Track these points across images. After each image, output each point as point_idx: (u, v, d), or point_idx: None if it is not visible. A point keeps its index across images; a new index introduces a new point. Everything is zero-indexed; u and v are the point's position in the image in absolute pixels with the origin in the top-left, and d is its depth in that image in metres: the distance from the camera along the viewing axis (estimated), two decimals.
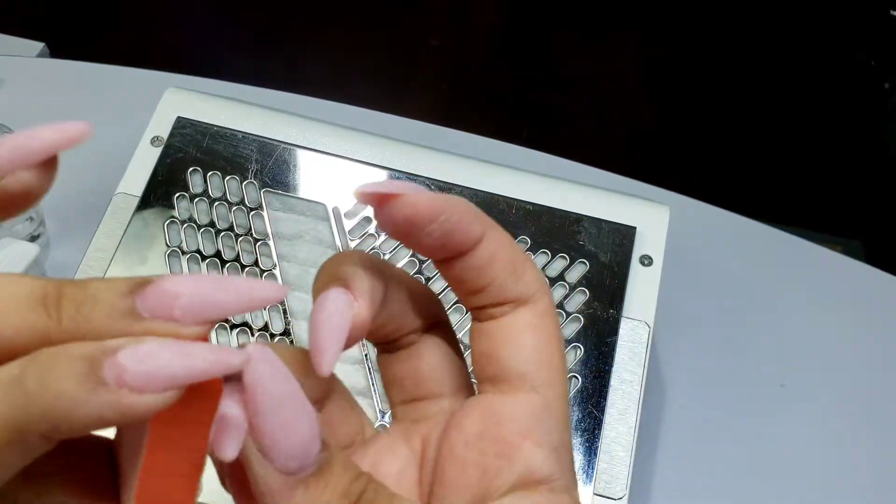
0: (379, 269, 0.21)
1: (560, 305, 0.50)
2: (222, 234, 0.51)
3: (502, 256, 0.21)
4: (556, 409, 0.21)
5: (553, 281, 0.51)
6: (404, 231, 0.20)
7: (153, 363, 0.15)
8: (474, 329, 0.22)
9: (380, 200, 0.20)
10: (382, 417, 0.47)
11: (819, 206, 1.51)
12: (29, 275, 0.17)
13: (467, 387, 0.24)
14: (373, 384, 0.48)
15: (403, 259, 0.51)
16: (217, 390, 0.17)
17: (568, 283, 0.51)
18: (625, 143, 1.58)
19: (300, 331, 0.49)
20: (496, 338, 0.21)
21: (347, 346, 0.20)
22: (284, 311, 0.49)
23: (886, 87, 1.65)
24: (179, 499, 0.17)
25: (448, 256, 0.21)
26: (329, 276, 0.21)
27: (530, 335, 0.21)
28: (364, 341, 0.49)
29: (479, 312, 0.22)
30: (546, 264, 0.51)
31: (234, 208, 0.52)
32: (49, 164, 0.18)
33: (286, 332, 0.49)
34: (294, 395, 0.18)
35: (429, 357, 0.23)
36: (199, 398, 0.17)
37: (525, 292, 0.21)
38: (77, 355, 0.15)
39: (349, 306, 0.20)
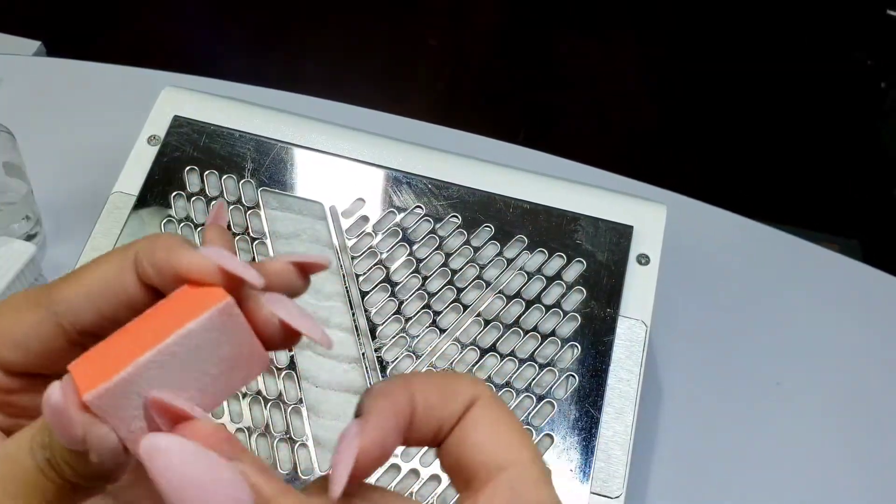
0: (403, 395, 0.21)
1: (557, 304, 0.50)
2: None
3: (433, 394, 0.21)
4: (535, 482, 0.21)
5: (550, 280, 0.51)
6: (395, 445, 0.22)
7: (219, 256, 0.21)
8: (439, 452, 0.22)
9: None
10: None
11: (816, 205, 1.51)
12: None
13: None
14: (370, 383, 0.48)
15: (401, 258, 0.51)
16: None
17: (565, 282, 0.51)
18: (622, 143, 1.58)
19: None
20: (455, 445, 0.21)
21: (361, 474, 0.20)
22: None
23: (883, 86, 1.65)
24: (109, 369, 0.19)
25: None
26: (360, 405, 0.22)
27: (481, 426, 0.21)
28: (359, 340, 0.49)
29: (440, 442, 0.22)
30: (543, 263, 0.51)
31: (232, 207, 0.52)
32: (304, 276, 0.24)
33: None
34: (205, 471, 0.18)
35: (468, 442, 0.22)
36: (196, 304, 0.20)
37: (466, 401, 0.21)
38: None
39: (356, 437, 0.20)
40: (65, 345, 0.23)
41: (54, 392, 0.19)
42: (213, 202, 0.28)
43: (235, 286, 0.21)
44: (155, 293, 0.22)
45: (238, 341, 0.21)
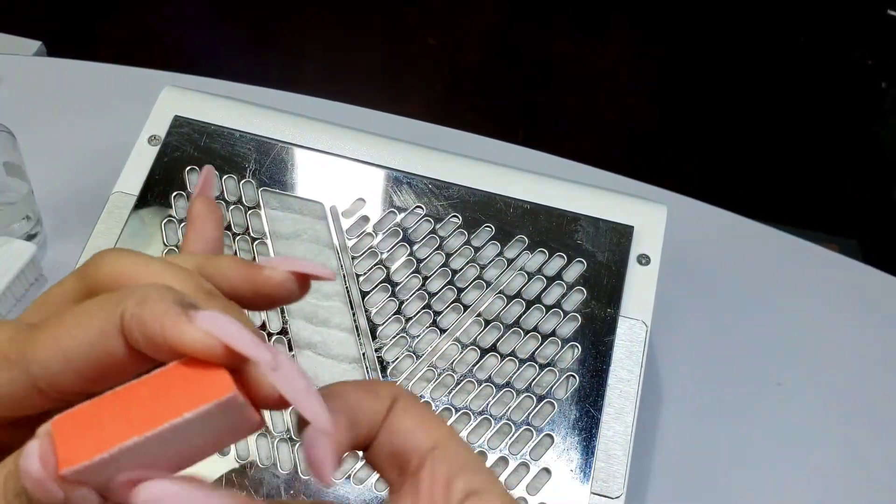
0: (342, 399, 0.22)
1: (558, 304, 0.50)
2: None
3: (361, 411, 0.22)
4: (454, 448, 0.22)
5: (550, 280, 0.51)
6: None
7: (221, 326, 0.19)
8: (368, 455, 0.24)
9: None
10: None
11: (816, 205, 1.51)
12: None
13: None
14: None
15: (401, 258, 0.51)
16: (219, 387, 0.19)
17: (565, 282, 0.51)
18: (622, 143, 1.58)
19: (297, 329, 0.49)
20: (385, 443, 0.23)
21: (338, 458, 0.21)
22: (282, 311, 0.49)
23: (883, 86, 1.65)
24: (96, 443, 0.18)
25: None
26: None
27: (406, 418, 0.23)
28: (360, 340, 0.49)
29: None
30: (544, 263, 0.51)
31: (232, 207, 0.52)
32: (306, 284, 0.23)
33: (283, 332, 0.49)
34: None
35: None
36: (200, 384, 0.19)
37: (388, 404, 0.23)
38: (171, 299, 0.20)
39: (324, 435, 0.21)
40: (41, 401, 0.21)
41: (32, 460, 0.18)
42: (203, 168, 0.27)
43: (237, 359, 0.20)
44: (147, 357, 0.20)
45: (235, 422, 0.20)
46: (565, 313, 0.50)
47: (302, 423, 0.21)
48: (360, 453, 0.43)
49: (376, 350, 0.49)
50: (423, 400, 0.48)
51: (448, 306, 0.50)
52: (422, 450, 0.22)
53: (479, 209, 0.53)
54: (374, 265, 0.51)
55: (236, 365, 0.20)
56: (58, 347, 0.20)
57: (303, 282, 0.23)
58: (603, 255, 0.52)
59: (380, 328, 0.49)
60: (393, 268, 0.51)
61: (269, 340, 0.48)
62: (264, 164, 0.53)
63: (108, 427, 0.18)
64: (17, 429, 0.21)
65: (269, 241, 0.51)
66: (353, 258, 0.51)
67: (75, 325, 0.20)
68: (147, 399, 0.19)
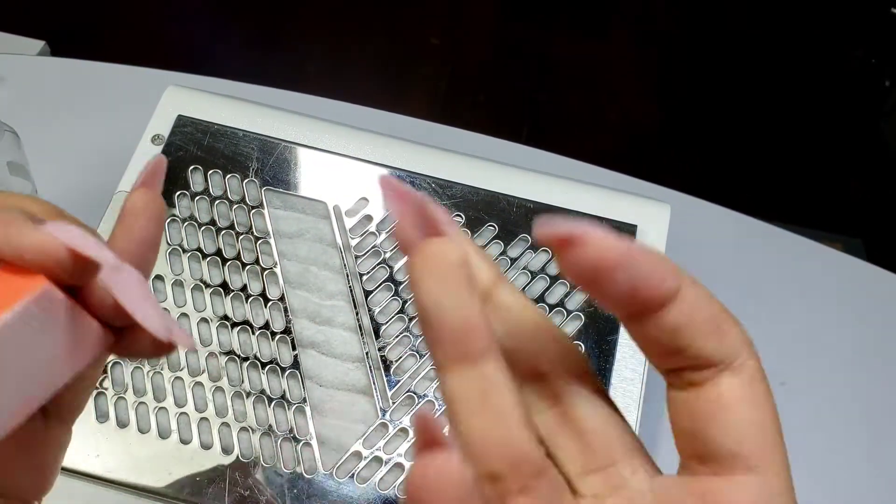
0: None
1: (561, 303, 0.50)
2: (223, 232, 0.51)
3: (701, 314, 0.19)
4: (781, 495, 0.18)
5: (554, 279, 0.51)
6: (588, 278, 0.18)
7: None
8: (671, 398, 0.20)
9: (561, 244, 0.18)
10: (383, 415, 0.47)
11: (820, 203, 1.51)
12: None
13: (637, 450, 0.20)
14: (373, 382, 0.48)
15: (403, 258, 0.51)
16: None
17: (568, 282, 0.51)
18: (625, 141, 1.58)
19: (301, 328, 0.49)
20: (701, 411, 0.19)
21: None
22: (285, 310, 0.49)
23: (887, 84, 1.65)
24: None
25: (638, 311, 0.19)
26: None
27: (741, 408, 0.19)
28: (363, 339, 0.49)
29: (673, 377, 0.19)
30: (547, 262, 0.51)
31: (235, 206, 0.52)
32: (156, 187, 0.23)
33: (287, 331, 0.49)
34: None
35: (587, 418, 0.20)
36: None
37: (729, 355, 0.19)
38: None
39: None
40: None
41: None
42: (155, 157, 0.24)
43: (87, 268, 0.19)
44: None
45: (70, 327, 0.19)
46: (569, 312, 0.50)
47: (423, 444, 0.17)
48: (366, 453, 0.43)
49: (379, 349, 0.49)
50: (426, 400, 0.48)
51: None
52: (736, 457, 0.18)
53: (482, 208, 0.53)
54: (378, 264, 0.51)
55: (79, 274, 0.19)
56: None
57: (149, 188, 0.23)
58: None
59: (383, 327, 0.49)
60: (396, 267, 0.51)
61: (273, 340, 0.48)
62: (267, 164, 0.53)
63: None
64: None
65: (272, 241, 0.51)
66: (357, 257, 0.51)
67: None
68: None
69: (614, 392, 0.48)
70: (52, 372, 0.19)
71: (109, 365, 0.47)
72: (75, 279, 0.19)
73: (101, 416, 0.46)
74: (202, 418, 0.47)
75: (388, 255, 0.51)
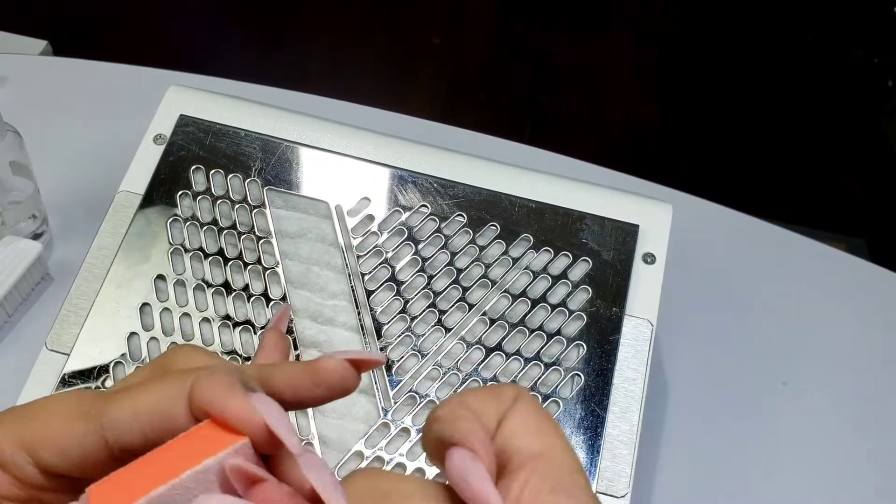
0: (469, 412, 0.23)
1: (563, 303, 0.50)
2: (225, 232, 0.51)
3: (486, 407, 0.23)
4: (560, 462, 0.22)
5: (556, 278, 0.51)
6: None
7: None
8: None
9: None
10: (385, 415, 0.47)
11: (823, 203, 1.51)
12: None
13: None
14: (375, 382, 0.48)
15: (406, 257, 0.51)
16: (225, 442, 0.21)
17: (571, 281, 0.51)
18: (627, 141, 1.58)
19: (302, 328, 0.49)
20: (495, 440, 0.23)
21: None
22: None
23: (889, 84, 1.65)
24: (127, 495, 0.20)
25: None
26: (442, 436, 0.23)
27: (518, 417, 0.22)
28: (365, 339, 0.49)
29: None
30: (549, 262, 0.51)
31: (237, 206, 0.52)
32: (359, 370, 0.25)
33: (289, 331, 0.49)
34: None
35: None
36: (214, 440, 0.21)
37: (508, 404, 0.23)
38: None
39: (477, 461, 0.21)
40: (104, 457, 0.23)
41: None
42: (281, 306, 0.31)
43: (274, 444, 0.21)
44: None
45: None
46: (570, 312, 0.50)
47: (443, 451, 0.22)
48: (367, 453, 0.43)
49: (381, 349, 0.49)
50: (427, 399, 0.48)
51: (453, 305, 0.50)
52: (525, 454, 0.22)
53: (484, 208, 0.53)
54: (379, 264, 0.51)
55: (270, 448, 0.21)
56: (132, 405, 0.23)
57: (358, 367, 0.25)
58: (608, 253, 0.52)
59: (385, 327, 0.49)
60: (398, 266, 0.51)
61: None
62: (269, 163, 0.53)
63: (137, 483, 0.20)
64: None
65: (274, 241, 0.51)
66: (359, 257, 0.51)
67: (150, 388, 0.23)
68: (173, 455, 0.21)
69: (616, 392, 0.48)
70: None
71: (111, 364, 0.47)
72: (262, 449, 0.22)
73: None
74: None
75: (389, 255, 0.51)
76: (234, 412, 0.21)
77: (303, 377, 0.25)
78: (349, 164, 0.54)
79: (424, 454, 0.46)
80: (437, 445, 0.22)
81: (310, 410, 0.47)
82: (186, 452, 0.21)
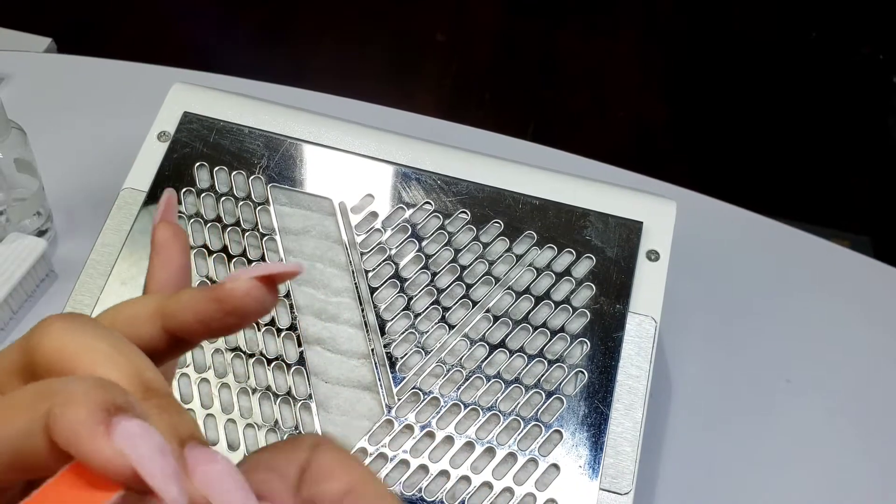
0: (266, 470, 0.22)
1: (566, 300, 0.50)
2: (229, 229, 0.51)
3: (278, 460, 0.22)
4: (370, 491, 0.22)
5: (559, 276, 0.51)
6: None
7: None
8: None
9: None
10: (389, 412, 0.47)
11: (827, 201, 1.50)
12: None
13: None
14: (379, 379, 0.48)
15: (410, 254, 0.51)
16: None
17: (574, 278, 0.51)
18: (631, 139, 1.58)
19: (306, 325, 0.49)
20: (304, 490, 0.22)
21: None
22: (291, 306, 0.49)
23: (894, 80, 1.64)
24: None
25: None
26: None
27: (323, 461, 0.22)
28: (369, 336, 0.49)
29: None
30: (553, 259, 0.51)
31: (241, 203, 0.52)
32: (273, 288, 0.22)
33: (292, 327, 0.49)
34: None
35: None
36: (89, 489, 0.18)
37: (308, 451, 0.22)
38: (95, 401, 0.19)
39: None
40: None
41: None
42: (163, 192, 0.26)
43: (146, 491, 0.18)
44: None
45: None
46: (574, 309, 0.50)
47: None
48: (371, 450, 0.43)
49: (385, 346, 0.49)
50: (431, 396, 0.48)
51: (457, 302, 0.50)
52: (335, 493, 0.22)
53: (487, 205, 0.53)
54: (383, 261, 0.51)
55: (144, 491, 0.18)
56: None
57: (270, 285, 0.22)
58: (612, 250, 0.52)
59: (388, 324, 0.49)
60: (402, 264, 0.51)
61: (279, 336, 0.48)
62: (273, 161, 0.53)
63: None
64: None
65: (278, 237, 0.51)
66: (362, 254, 0.51)
67: (2, 419, 0.19)
68: None
69: (620, 389, 0.48)
70: None
71: None
72: (144, 493, 0.18)
73: None
74: (208, 415, 0.47)
75: (393, 252, 0.51)
76: (96, 459, 0.18)
77: (211, 307, 0.22)
78: (353, 161, 0.54)
79: (431, 451, 0.46)
80: None
81: (313, 406, 0.47)
82: None
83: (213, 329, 0.22)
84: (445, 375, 0.48)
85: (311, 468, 0.22)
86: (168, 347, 0.23)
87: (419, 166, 0.54)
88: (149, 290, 0.25)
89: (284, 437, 0.46)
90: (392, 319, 0.49)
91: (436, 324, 0.49)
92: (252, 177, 0.53)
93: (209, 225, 0.51)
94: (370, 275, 0.51)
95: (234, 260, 0.51)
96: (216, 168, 0.53)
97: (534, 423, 0.47)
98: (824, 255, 0.68)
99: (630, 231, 0.52)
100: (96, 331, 0.21)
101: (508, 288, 0.50)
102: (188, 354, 0.48)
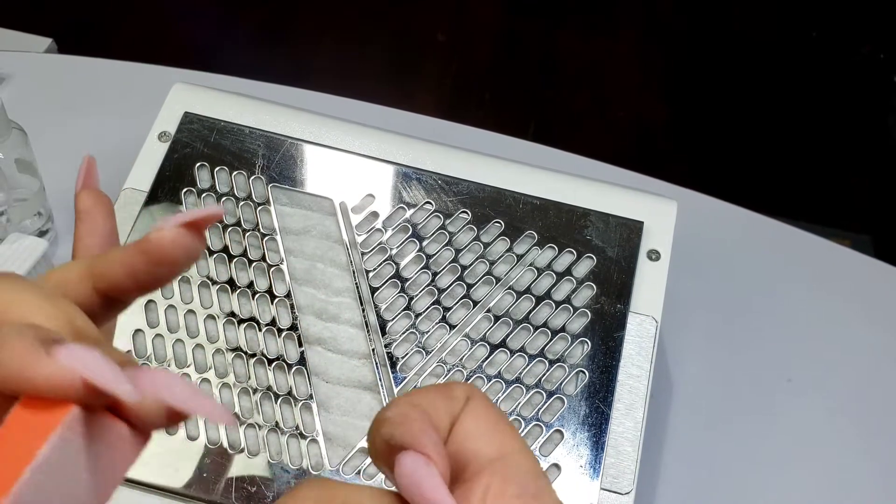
0: (420, 411, 0.21)
1: (567, 300, 0.50)
2: (229, 229, 0.51)
3: (437, 405, 0.21)
4: (521, 465, 0.21)
5: (560, 275, 0.51)
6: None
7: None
8: None
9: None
10: None
11: (828, 200, 1.50)
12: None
13: None
14: (379, 379, 0.48)
15: (411, 254, 0.51)
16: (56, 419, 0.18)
17: (575, 278, 0.51)
18: (632, 138, 1.57)
19: (307, 325, 0.49)
20: (449, 444, 0.21)
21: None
22: (292, 306, 0.49)
23: (895, 80, 1.64)
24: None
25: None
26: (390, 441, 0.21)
27: (472, 419, 0.21)
28: (369, 336, 0.49)
29: None
30: (553, 259, 0.51)
31: (242, 203, 0.52)
32: (200, 234, 0.22)
33: (293, 327, 0.49)
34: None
35: None
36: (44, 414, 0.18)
37: (461, 404, 0.22)
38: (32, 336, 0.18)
39: (429, 466, 0.20)
40: None
41: None
42: (84, 159, 0.26)
43: (102, 395, 0.18)
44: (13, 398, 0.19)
45: (109, 441, 0.19)
46: (575, 309, 0.50)
47: (392, 455, 0.20)
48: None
49: (386, 346, 0.49)
50: None
51: (458, 302, 0.50)
52: (483, 458, 0.21)
53: (488, 205, 0.53)
54: (384, 261, 0.51)
55: (99, 401, 0.18)
56: None
57: (196, 230, 0.22)
58: (613, 250, 0.52)
59: (389, 324, 0.49)
60: (402, 263, 0.51)
61: (279, 336, 0.48)
62: (274, 161, 0.53)
63: None
64: None
65: (278, 237, 0.51)
66: (363, 254, 0.51)
67: None
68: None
69: (621, 388, 0.48)
70: (105, 481, 0.19)
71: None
72: (94, 406, 0.19)
73: None
74: None
75: (394, 252, 0.51)
76: (42, 380, 0.18)
77: (140, 259, 0.21)
78: (353, 161, 0.54)
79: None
80: (385, 449, 0.21)
81: (314, 406, 0.47)
82: (9, 454, 0.17)
83: (143, 283, 0.22)
84: (446, 375, 0.48)
85: (461, 421, 0.21)
86: (101, 309, 0.22)
87: (420, 166, 0.54)
88: (77, 257, 0.25)
89: (285, 437, 0.46)
90: (393, 319, 0.49)
91: (436, 324, 0.49)
92: (253, 177, 0.53)
93: (209, 225, 0.51)
94: (371, 275, 0.51)
95: (234, 260, 0.51)
96: (217, 168, 0.53)
97: (535, 422, 0.47)
98: (825, 254, 0.68)
99: (631, 231, 0.52)
100: (25, 284, 0.21)
101: (509, 288, 0.50)
102: (189, 354, 0.48)
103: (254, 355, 0.48)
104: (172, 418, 0.19)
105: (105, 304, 0.22)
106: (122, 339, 0.48)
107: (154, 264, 0.21)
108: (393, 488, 0.20)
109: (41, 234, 0.60)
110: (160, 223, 0.21)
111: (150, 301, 0.49)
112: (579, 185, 0.54)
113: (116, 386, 0.18)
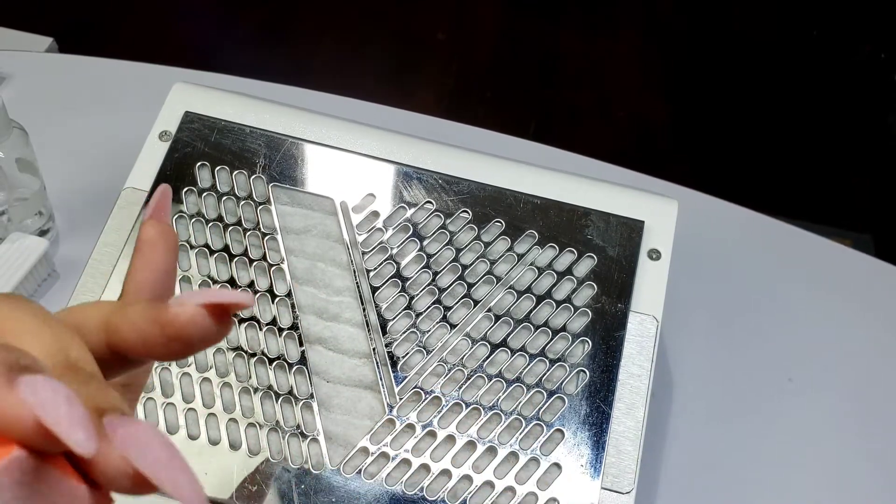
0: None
1: (568, 299, 0.50)
2: (230, 228, 0.51)
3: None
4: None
5: (561, 275, 0.51)
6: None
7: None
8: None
9: None
10: (390, 411, 0.47)
11: (829, 199, 1.50)
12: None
13: None
14: (380, 378, 0.48)
15: (412, 253, 0.51)
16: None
17: (576, 278, 0.51)
18: (633, 138, 1.57)
19: (308, 324, 0.49)
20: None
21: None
22: (292, 306, 0.49)
23: (895, 79, 1.64)
24: None
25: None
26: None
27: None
28: (370, 335, 0.49)
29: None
30: (554, 258, 0.51)
31: (242, 203, 0.52)
32: (225, 317, 0.20)
33: (294, 327, 0.49)
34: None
35: None
36: None
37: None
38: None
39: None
40: None
41: None
42: (158, 187, 0.25)
43: (49, 443, 0.16)
44: None
45: (53, 499, 0.16)
46: (576, 308, 0.50)
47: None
48: (373, 449, 0.43)
49: (386, 345, 0.49)
50: (432, 395, 0.48)
51: (458, 301, 0.50)
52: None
53: (489, 204, 0.53)
54: (385, 260, 0.51)
55: (51, 446, 0.16)
56: None
57: (220, 314, 0.20)
58: (613, 250, 0.52)
59: (390, 323, 0.49)
60: (403, 263, 0.51)
61: (280, 336, 0.48)
62: (275, 160, 0.53)
63: None
64: None
65: (279, 237, 0.51)
66: (364, 253, 0.51)
67: None
68: None
69: (621, 388, 0.48)
70: None
71: None
72: (45, 450, 0.16)
73: None
74: (210, 414, 0.47)
75: (395, 252, 0.51)
76: None
77: (154, 330, 0.20)
78: (354, 161, 0.54)
79: (432, 450, 0.46)
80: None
81: (314, 405, 0.47)
82: None
83: (155, 353, 0.20)
84: (447, 375, 0.48)
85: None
86: (113, 362, 0.21)
87: (420, 165, 0.54)
88: (126, 292, 0.23)
89: (286, 437, 0.46)
90: (393, 319, 0.49)
91: (437, 323, 0.49)
92: (253, 176, 0.53)
93: (210, 224, 0.51)
94: (371, 274, 0.51)
95: (235, 259, 0.51)
96: (217, 167, 0.53)
97: (535, 422, 0.47)
98: (826, 253, 0.68)
99: (631, 230, 0.52)
100: (28, 307, 0.20)
101: (510, 287, 0.50)
102: None
103: (254, 355, 0.48)
104: (139, 485, 0.17)
105: (117, 360, 0.21)
106: None
107: (168, 339, 0.20)
108: None
109: (42, 233, 0.60)
110: (183, 296, 0.20)
111: None
112: (580, 184, 0.54)
113: (68, 430, 0.15)
